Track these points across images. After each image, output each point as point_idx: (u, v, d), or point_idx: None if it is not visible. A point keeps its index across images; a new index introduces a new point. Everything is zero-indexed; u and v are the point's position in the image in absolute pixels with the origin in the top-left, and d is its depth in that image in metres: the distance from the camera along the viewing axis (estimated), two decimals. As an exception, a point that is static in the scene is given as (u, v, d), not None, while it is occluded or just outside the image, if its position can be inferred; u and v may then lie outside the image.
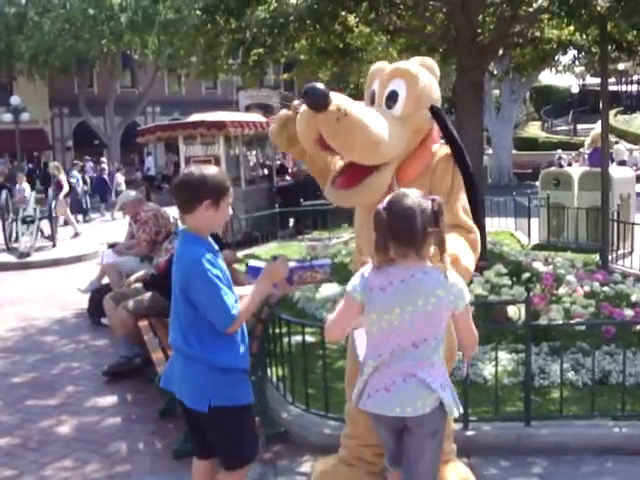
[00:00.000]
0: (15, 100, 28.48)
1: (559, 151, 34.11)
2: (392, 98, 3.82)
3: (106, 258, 9.06)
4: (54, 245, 15.54)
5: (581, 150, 32.72)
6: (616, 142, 36.40)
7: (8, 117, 28.46)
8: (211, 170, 3.37)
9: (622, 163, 28.91)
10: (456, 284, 3.10)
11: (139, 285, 7.06)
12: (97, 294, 8.43)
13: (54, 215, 16.20)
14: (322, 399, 5.03)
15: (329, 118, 3.50)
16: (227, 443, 3.44)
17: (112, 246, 9.39)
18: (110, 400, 6.13)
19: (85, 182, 25.43)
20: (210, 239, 3.41)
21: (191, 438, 3.70)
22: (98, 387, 6.47)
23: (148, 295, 6.70)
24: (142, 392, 6.19)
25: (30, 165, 36.89)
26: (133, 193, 9.26)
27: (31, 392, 6.40)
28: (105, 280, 8.63)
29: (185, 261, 3.28)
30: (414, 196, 3.06)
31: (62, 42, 33.03)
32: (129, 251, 8.61)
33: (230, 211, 3.46)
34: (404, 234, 3.02)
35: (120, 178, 25.44)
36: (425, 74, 3.89)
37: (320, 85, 3.53)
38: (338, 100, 3.53)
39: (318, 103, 3.49)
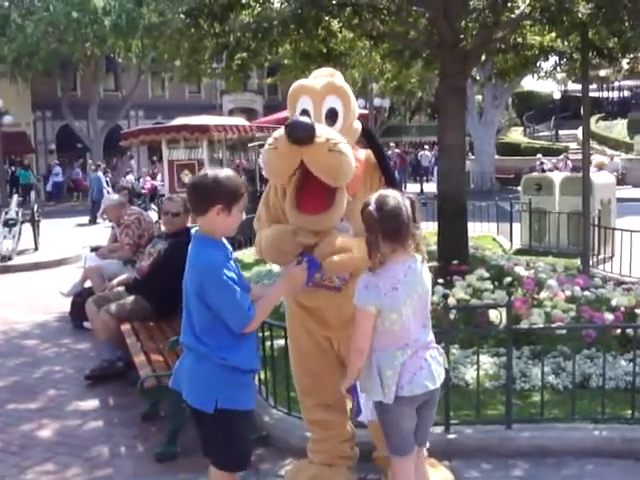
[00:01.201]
0: (-3, 103, 28.35)
1: (539, 156, 34.26)
2: (331, 116, 3.90)
3: (89, 261, 9.04)
4: (36, 248, 15.46)
5: (564, 155, 32.99)
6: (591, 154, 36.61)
7: (-10, 120, 28.30)
8: (226, 174, 3.35)
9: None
10: (427, 268, 3.54)
11: (121, 289, 7.05)
12: (79, 297, 8.40)
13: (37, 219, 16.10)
14: (304, 402, 5.04)
15: (320, 149, 3.58)
16: (227, 446, 3.42)
17: (95, 249, 9.37)
18: (92, 404, 6.12)
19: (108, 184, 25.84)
20: (224, 240, 3.43)
21: (199, 438, 3.63)
22: (80, 391, 6.45)
23: (131, 299, 6.69)
24: (124, 396, 6.18)
25: (12, 168, 36.66)
26: (116, 197, 9.27)
27: (12, 396, 6.37)
28: (88, 283, 8.60)
29: (200, 265, 3.29)
30: (396, 195, 3.37)
31: (45, 45, 32.85)
32: (112, 254, 8.59)
33: (243, 216, 3.46)
34: (394, 231, 3.32)
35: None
36: (348, 86, 4.05)
37: (304, 119, 3.61)
38: (323, 131, 3.63)
39: (307, 137, 3.54)
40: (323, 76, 4.07)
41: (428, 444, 3.80)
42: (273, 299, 3.53)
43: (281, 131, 3.66)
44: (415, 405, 3.50)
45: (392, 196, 3.36)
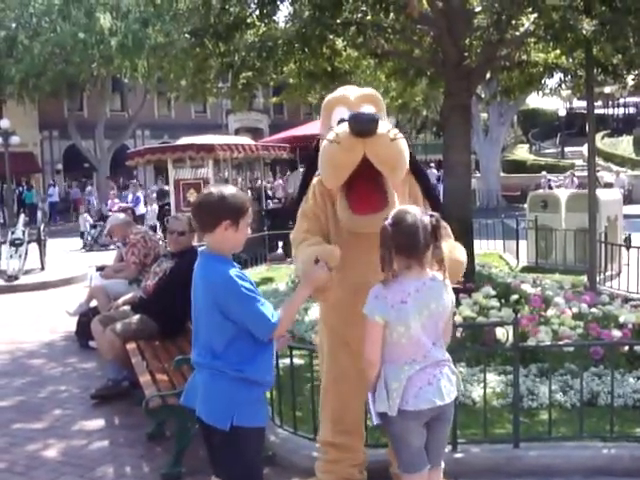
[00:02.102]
0: (5, 123, 28.39)
1: (544, 173, 34.26)
2: None
3: (94, 281, 9.04)
4: (42, 268, 15.48)
5: (570, 172, 32.98)
6: (597, 170, 36.69)
7: (-2, 140, 28.40)
8: (230, 190, 3.38)
9: (609, 185, 29.06)
10: (451, 288, 3.56)
11: (127, 308, 7.03)
12: (85, 317, 8.40)
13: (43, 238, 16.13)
14: (310, 422, 5.02)
15: (383, 139, 3.66)
16: (241, 465, 3.38)
17: (101, 269, 9.37)
18: (97, 423, 6.09)
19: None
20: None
21: (210, 458, 3.58)
22: (85, 410, 6.43)
23: (136, 318, 6.68)
24: (130, 415, 6.16)
25: (20, 188, 36.84)
26: (122, 216, 9.27)
27: (18, 416, 6.35)
28: (93, 303, 8.58)
29: (215, 281, 3.28)
30: (415, 213, 3.41)
31: (52, 66, 33.11)
32: (118, 274, 8.59)
33: (249, 231, 3.47)
34: (408, 248, 3.37)
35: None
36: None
37: (367, 111, 3.74)
38: (384, 123, 3.72)
39: (371, 128, 3.62)
40: (352, 89, 4.21)
41: (443, 464, 3.77)
42: (297, 302, 3.55)
43: (342, 126, 3.74)
44: (422, 420, 3.48)
45: (412, 213, 3.41)
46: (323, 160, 3.88)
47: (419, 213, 3.44)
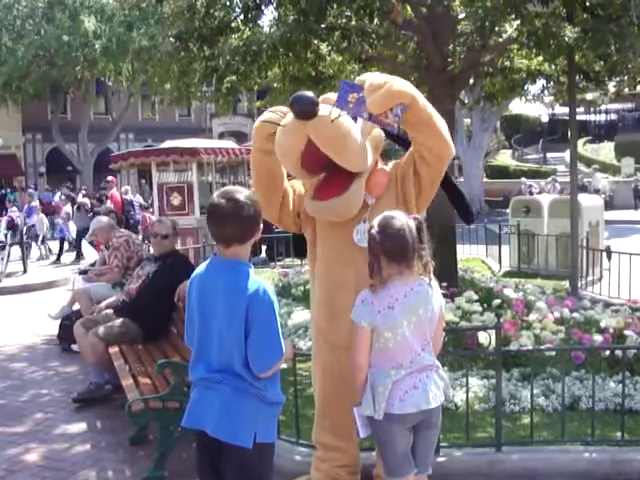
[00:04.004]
0: (-13, 126, 28.31)
1: (523, 179, 34.41)
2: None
3: (77, 284, 9.00)
4: (25, 271, 15.40)
5: (552, 178, 33.16)
6: (595, 170, 37.00)
7: (-20, 142, 28.29)
8: (250, 195, 3.25)
9: (597, 192, 29.29)
10: (439, 292, 3.56)
11: (110, 311, 7.01)
12: (68, 320, 8.36)
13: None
14: (293, 426, 5.03)
15: (323, 121, 3.66)
16: None
17: (84, 272, 9.33)
18: (79, 427, 6.07)
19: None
20: None
21: (205, 477, 3.43)
22: (67, 414, 6.40)
23: (119, 321, 6.66)
24: (112, 419, 6.14)
25: (2, 191, 36.57)
26: (105, 219, 9.24)
27: (-1, 419, 6.33)
28: (76, 306, 8.56)
29: (246, 290, 3.14)
30: (401, 217, 3.40)
31: (36, 68, 32.92)
32: (101, 277, 8.56)
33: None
34: (399, 253, 3.36)
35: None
36: None
37: (308, 93, 3.71)
38: (326, 105, 3.72)
39: (310, 110, 3.64)
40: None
41: (430, 470, 3.76)
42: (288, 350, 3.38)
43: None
44: (407, 424, 3.49)
45: (397, 218, 3.40)
46: (275, 146, 3.95)
47: (404, 217, 3.44)
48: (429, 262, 3.48)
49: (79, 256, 17.69)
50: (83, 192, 26.03)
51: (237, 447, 3.15)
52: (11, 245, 15.35)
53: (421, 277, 3.47)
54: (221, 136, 36.79)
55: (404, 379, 3.44)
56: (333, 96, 3.99)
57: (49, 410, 6.54)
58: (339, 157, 3.80)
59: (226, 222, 3.19)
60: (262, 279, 3.26)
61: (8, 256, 14.96)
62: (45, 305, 10.74)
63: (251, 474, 3.23)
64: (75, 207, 19.99)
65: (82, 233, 17.78)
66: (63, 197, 22.63)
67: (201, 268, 3.37)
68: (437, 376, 3.58)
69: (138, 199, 22.84)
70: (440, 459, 4.78)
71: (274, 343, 3.16)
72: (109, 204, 17.71)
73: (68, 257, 18.18)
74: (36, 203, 20.23)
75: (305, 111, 3.64)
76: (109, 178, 20.51)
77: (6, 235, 15.43)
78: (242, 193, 3.22)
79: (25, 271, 15.43)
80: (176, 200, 14.16)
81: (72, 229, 16.70)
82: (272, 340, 3.15)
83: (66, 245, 18.94)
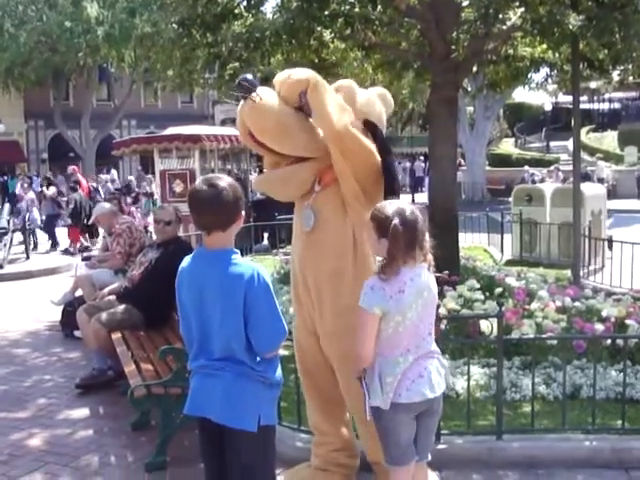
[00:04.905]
0: (-11, 112, 28.27)
1: (526, 167, 34.32)
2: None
3: (80, 270, 9.02)
4: (27, 257, 15.43)
5: (554, 167, 33.07)
6: (598, 158, 36.93)
7: (-17, 129, 28.25)
8: (230, 181, 3.26)
9: (601, 180, 29.21)
10: (434, 279, 3.61)
11: (112, 297, 7.03)
12: (70, 306, 8.39)
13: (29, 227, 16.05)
14: (294, 413, 5.05)
15: (248, 103, 3.81)
16: (265, 465, 3.32)
17: (86, 259, 9.35)
18: (82, 413, 6.09)
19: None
20: None
21: (209, 466, 3.46)
22: (70, 400, 6.43)
23: (121, 308, 6.67)
24: (114, 405, 6.17)
25: (4, 177, 36.57)
26: (108, 205, 9.25)
27: (2, 405, 6.34)
28: (78, 292, 8.58)
29: (239, 277, 3.13)
30: (411, 207, 3.49)
31: (38, 54, 32.91)
32: (103, 264, 8.57)
33: None
34: (416, 242, 3.46)
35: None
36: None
37: (249, 76, 3.85)
38: (262, 91, 3.84)
39: (245, 92, 3.78)
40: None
41: (430, 457, 3.78)
42: None
43: None
44: (413, 413, 3.50)
45: (409, 208, 3.46)
46: None
47: (411, 206, 3.51)
48: (428, 250, 3.54)
49: (55, 245, 17.83)
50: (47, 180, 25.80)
51: (242, 431, 3.17)
52: (13, 231, 15.36)
53: (420, 263, 3.52)
54: (223, 123, 36.72)
55: (411, 368, 3.45)
56: (346, 82, 4.25)
57: (52, 396, 6.56)
58: (260, 135, 3.97)
59: (206, 208, 3.20)
60: (251, 262, 3.28)
61: (10, 242, 14.97)
62: (48, 291, 10.76)
63: (256, 457, 3.26)
64: (42, 195, 20.02)
65: (50, 220, 17.92)
66: (25, 185, 22.66)
67: (187, 260, 3.36)
68: (439, 363, 3.59)
69: (144, 187, 22.95)
70: (441, 446, 4.79)
71: (277, 322, 3.20)
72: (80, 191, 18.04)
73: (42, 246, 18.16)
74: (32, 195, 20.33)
75: (242, 92, 3.79)
76: (70, 168, 21.36)
77: (8, 221, 15.43)
78: (223, 179, 3.23)
79: (28, 257, 15.45)
80: (178, 187, 14.16)
81: (36, 216, 16.75)
82: (274, 320, 3.20)
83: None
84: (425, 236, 3.50)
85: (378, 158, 3.98)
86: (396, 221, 3.39)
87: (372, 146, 3.98)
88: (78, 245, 17.29)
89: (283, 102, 3.94)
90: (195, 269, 3.29)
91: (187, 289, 3.29)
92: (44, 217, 19.06)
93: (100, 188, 22.73)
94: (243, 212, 3.29)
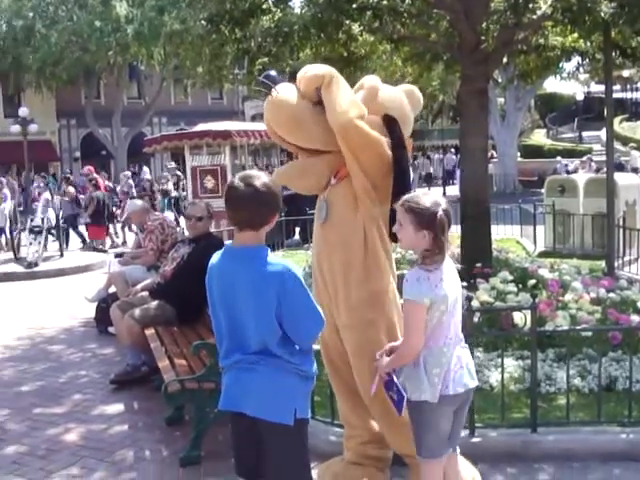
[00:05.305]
0: (23, 112, 28.43)
1: (558, 158, 33.96)
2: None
3: (113, 267, 9.09)
4: (61, 255, 15.59)
5: (587, 157, 32.71)
6: (632, 148, 36.43)
7: (16, 128, 28.41)
8: (266, 180, 3.20)
9: (635, 170, 28.80)
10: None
11: (145, 294, 7.07)
12: (104, 303, 8.46)
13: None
14: (328, 406, 5.04)
15: (268, 98, 3.95)
16: (300, 458, 3.32)
17: (119, 255, 9.42)
18: (117, 408, 6.15)
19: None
20: None
21: (243, 460, 3.44)
22: (105, 395, 6.49)
23: (154, 304, 6.72)
24: (149, 400, 6.22)
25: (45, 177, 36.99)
26: (140, 202, 9.32)
27: (38, 400, 6.43)
28: (112, 289, 8.65)
29: (271, 275, 3.11)
30: (442, 198, 3.50)
31: (69, 54, 33.26)
32: (136, 260, 8.64)
33: None
34: (448, 231, 3.44)
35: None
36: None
37: (272, 72, 3.99)
38: (281, 86, 3.96)
39: (265, 88, 3.92)
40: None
41: (458, 448, 3.77)
42: None
43: None
44: (456, 404, 3.49)
45: (440, 198, 3.47)
46: None
47: (439, 196, 3.54)
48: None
49: (84, 242, 17.99)
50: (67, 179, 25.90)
51: (278, 425, 3.16)
52: (48, 230, 15.52)
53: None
54: (253, 119, 36.82)
55: (454, 358, 3.44)
56: (370, 79, 4.29)
57: (87, 391, 6.63)
58: (277, 128, 4.08)
59: (241, 206, 3.17)
60: (281, 259, 3.26)
61: (45, 240, 15.13)
62: (81, 288, 10.87)
63: (294, 450, 3.27)
64: (61, 195, 20.17)
65: (72, 220, 18.05)
66: (42, 184, 22.94)
67: (217, 256, 3.34)
68: (467, 352, 3.60)
69: (162, 184, 23.09)
70: (475, 439, 4.77)
71: (314, 313, 3.22)
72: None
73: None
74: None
75: (264, 89, 3.93)
76: (86, 168, 21.81)
77: (42, 219, 15.59)
78: (261, 179, 3.17)
79: (62, 255, 15.61)
80: (210, 183, 14.25)
81: (51, 216, 16.89)
82: (311, 311, 3.21)
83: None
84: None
85: (389, 153, 3.95)
86: (440, 212, 3.37)
87: (383, 140, 3.95)
88: (109, 242, 17.44)
89: (301, 97, 4.00)
90: (225, 266, 3.28)
91: (217, 285, 3.29)
92: (62, 217, 19.09)
93: (121, 187, 22.75)
94: (277, 215, 3.26)
